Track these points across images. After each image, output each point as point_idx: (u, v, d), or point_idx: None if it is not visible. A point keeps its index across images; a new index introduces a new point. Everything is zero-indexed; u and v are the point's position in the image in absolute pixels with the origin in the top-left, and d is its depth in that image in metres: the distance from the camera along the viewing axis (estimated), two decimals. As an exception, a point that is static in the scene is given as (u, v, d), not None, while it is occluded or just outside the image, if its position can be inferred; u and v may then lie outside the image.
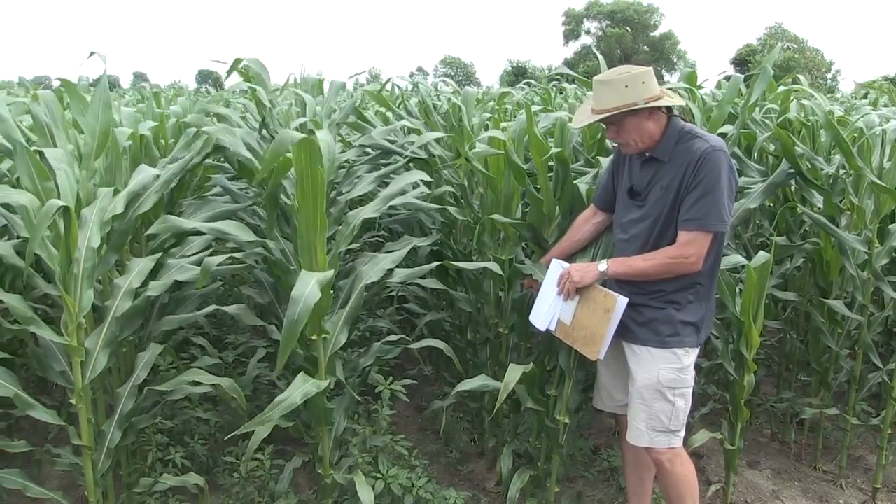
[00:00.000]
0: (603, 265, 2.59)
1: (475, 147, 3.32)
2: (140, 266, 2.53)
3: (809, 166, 3.33)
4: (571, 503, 3.24)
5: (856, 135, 3.38)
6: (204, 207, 3.04)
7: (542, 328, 2.75)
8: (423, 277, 3.09)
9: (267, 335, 3.21)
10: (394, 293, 4.32)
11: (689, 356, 2.60)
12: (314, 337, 2.55)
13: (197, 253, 2.88)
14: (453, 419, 4.00)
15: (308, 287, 2.19)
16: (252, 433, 3.38)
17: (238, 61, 3.61)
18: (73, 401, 2.43)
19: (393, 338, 3.08)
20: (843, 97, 7.56)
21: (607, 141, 2.65)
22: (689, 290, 2.56)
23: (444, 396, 4.08)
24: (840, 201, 3.40)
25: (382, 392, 3.00)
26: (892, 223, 3.34)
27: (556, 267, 2.75)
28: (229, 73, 3.67)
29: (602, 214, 2.85)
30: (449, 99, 4.24)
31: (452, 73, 70.01)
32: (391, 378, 3.10)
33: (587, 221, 2.88)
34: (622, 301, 2.51)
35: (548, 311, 2.74)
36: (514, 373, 2.69)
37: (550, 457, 3.05)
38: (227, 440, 3.46)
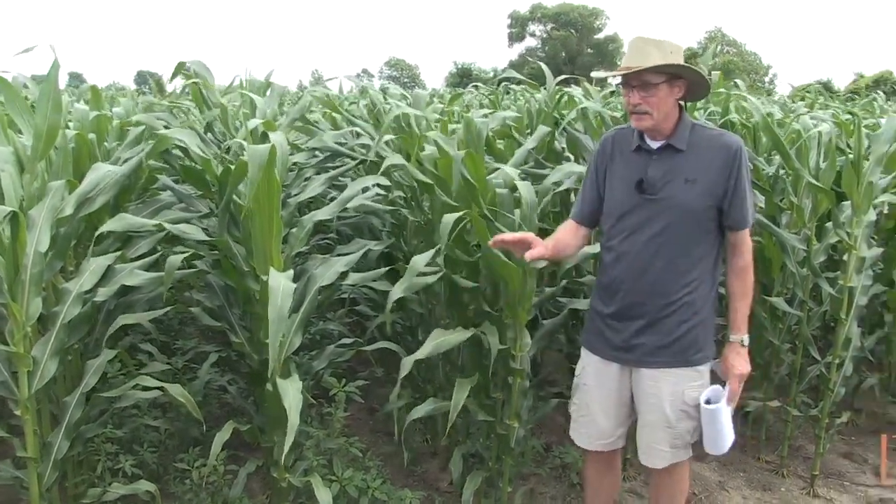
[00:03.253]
0: (744, 340, 2.51)
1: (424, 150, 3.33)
2: (93, 267, 2.45)
3: (751, 167, 3.43)
4: (524, 500, 3.28)
5: (794, 136, 3.50)
6: (148, 211, 2.99)
7: (731, 442, 2.56)
8: (374, 280, 3.08)
9: (215, 340, 3.17)
10: (345, 295, 4.31)
11: (708, 368, 2.56)
12: (269, 340, 2.52)
13: (144, 256, 2.83)
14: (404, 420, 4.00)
15: (281, 280, 2.16)
16: (208, 439, 3.36)
17: (182, 65, 3.56)
18: (17, 412, 2.36)
19: (347, 341, 3.07)
20: (780, 99, 7.80)
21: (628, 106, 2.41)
22: (712, 295, 2.51)
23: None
24: (780, 201, 3.52)
25: (337, 394, 2.99)
26: (828, 222, 3.47)
27: (715, 396, 2.51)
28: (173, 76, 3.62)
29: (584, 230, 2.72)
30: (398, 104, 4.24)
31: (397, 75, 69.91)
32: (344, 380, 3.09)
33: (575, 234, 2.70)
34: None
35: (728, 428, 2.53)
36: (462, 390, 2.70)
37: (502, 458, 3.08)
38: (177, 447, 3.44)
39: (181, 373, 3.61)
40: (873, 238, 3.57)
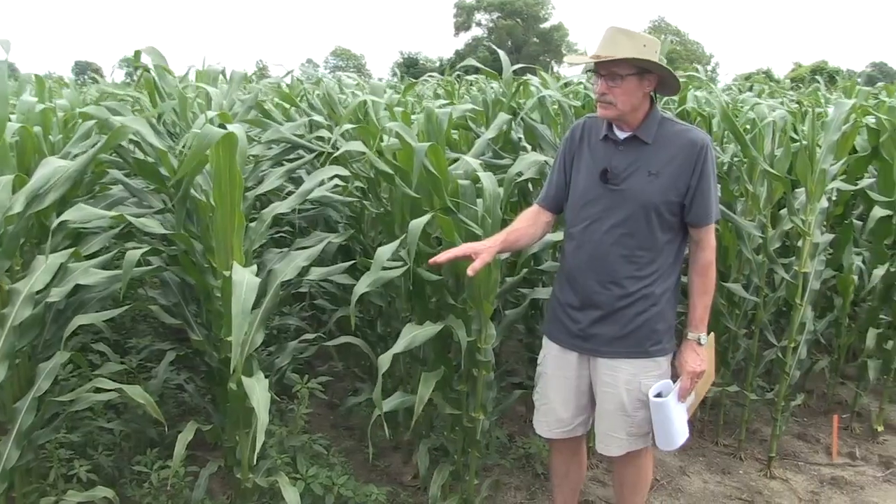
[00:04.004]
0: (701, 338, 2.51)
1: (383, 141, 3.28)
2: (44, 266, 2.33)
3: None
4: (490, 492, 3.28)
5: (748, 126, 3.55)
6: (99, 207, 2.87)
7: (684, 439, 2.57)
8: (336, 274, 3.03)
9: (169, 337, 3.08)
10: (302, 290, 4.24)
11: (668, 360, 2.56)
12: (230, 338, 2.45)
13: (96, 253, 2.73)
14: (367, 415, 3.97)
15: (245, 275, 2.10)
16: (165, 440, 3.28)
17: (138, 53, 3.45)
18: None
19: (309, 336, 3.01)
20: (727, 88, 7.94)
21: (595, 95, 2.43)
22: (672, 289, 2.52)
23: (355, 392, 4.04)
24: (735, 189, 3.58)
25: (300, 391, 2.94)
26: (782, 209, 3.54)
27: (666, 389, 2.52)
28: (131, 64, 3.50)
29: (548, 215, 2.70)
30: (353, 92, 4.18)
31: (343, 65, 69.26)
32: (307, 376, 3.04)
33: (535, 220, 2.67)
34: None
35: (680, 424, 2.53)
36: (428, 384, 2.67)
37: (467, 451, 3.07)
38: (133, 449, 3.34)
39: (136, 372, 3.50)
40: (823, 224, 3.66)
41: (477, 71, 5.65)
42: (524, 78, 4.19)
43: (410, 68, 50.17)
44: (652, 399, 2.48)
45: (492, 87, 4.72)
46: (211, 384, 3.40)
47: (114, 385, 2.44)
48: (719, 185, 3.51)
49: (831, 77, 24.86)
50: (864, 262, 4.01)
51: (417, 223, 2.50)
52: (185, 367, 3.60)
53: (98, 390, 2.50)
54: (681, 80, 2.57)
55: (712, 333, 2.58)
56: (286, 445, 2.91)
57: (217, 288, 2.62)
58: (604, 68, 2.35)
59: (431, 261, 2.46)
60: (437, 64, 58.59)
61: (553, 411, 2.70)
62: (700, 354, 2.51)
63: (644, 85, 2.38)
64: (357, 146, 2.95)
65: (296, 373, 3.19)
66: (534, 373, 3.95)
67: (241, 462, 2.60)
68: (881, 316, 3.99)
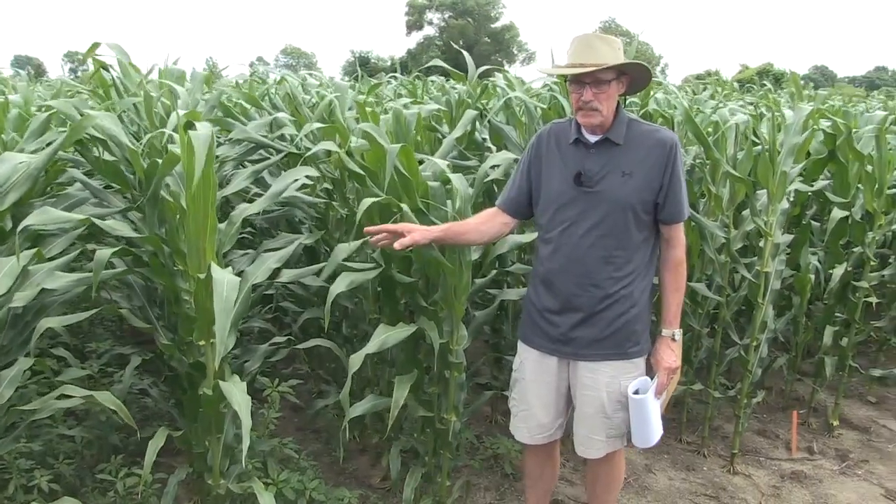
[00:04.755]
0: (675, 334, 2.55)
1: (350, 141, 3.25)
2: (6, 270, 2.23)
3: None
4: (461, 493, 3.28)
5: (710, 129, 3.62)
6: (60, 208, 2.79)
7: (659, 436, 2.60)
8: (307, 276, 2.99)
9: (130, 342, 3.00)
10: (268, 291, 4.18)
11: (644, 360, 2.59)
12: (202, 342, 2.41)
13: (58, 256, 2.64)
14: (333, 417, 3.93)
15: (225, 275, 2.05)
16: (128, 447, 3.20)
17: (96, 45, 3.35)
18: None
19: (280, 338, 2.97)
20: (679, 88, 8.07)
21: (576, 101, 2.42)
22: (649, 289, 2.55)
23: (320, 394, 4.01)
24: (698, 190, 3.64)
25: (270, 395, 2.90)
26: (744, 210, 3.61)
27: (643, 386, 2.54)
28: (85, 57, 3.40)
29: (505, 217, 2.70)
30: (324, 93, 4.14)
31: (294, 63, 68.60)
32: (275, 380, 3.01)
33: (490, 220, 2.68)
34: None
35: (656, 421, 2.55)
36: (403, 388, 2.66)
37: (438, 452, 3.06)
38: (95, 457, 3.25)
39: (98, 378, 3.41)
40: (783, 225, 3.74)
41: (430, 71, 5.65)
42: (490, 80, 4.19)
43: (362, 67, 49.92)
44: (632, 396, 2.50)
45: (454, 88, 4.73)
46: (175, 389, 3.33)
47: (83, 392, 2.36)
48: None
49: (776, 79, 25.54)
50: (819, 261, 4.12)
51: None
52: (146, 372, 3.52)
53: (64, 397, 2.42)
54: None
55: (679, 330, 2.61)
56: (256, 450, 2.87)
57: (186, 291, 2.57)
58: (588, 76, 2.37)
59: (366, 230, 2.48)
60: (389, 63, 58.43)
61: (534, 417, 2.70)
62: (675, 351, 2.55)
63: (620, 87, 2.43)
64: (329, 146, 2.91)
65: (261, 376, 3.15)
66: (499, 373, 4.00)
67: (213, 468, 2.55)
68: (837, 314, 4.10)
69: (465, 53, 4.18)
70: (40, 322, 2.35)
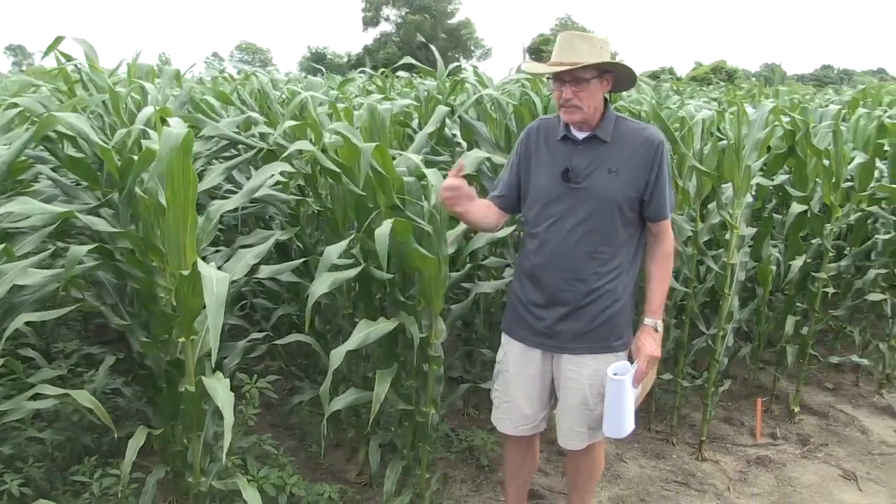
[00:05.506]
0: (658, 325, 2.58)
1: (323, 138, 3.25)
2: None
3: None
4: (438, 485, 3.31)
5: (677, 125, 3.69)
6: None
7: (631, 429, 2.60)
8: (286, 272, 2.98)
9: (94, 341, 2.95)
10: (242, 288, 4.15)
11: (626, 353, 2.63)
12: (182, 339, 2.39)
13: (29, 255, 2.59)
14: (308, 414, 3.93)
15: (213, 270, 2.04)
16: (101, 447, 3.15)
17: (59, 39, 3.30)
18: None
19: (258, 334, 2.97)
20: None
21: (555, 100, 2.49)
22: (633, 283, 2.59)
23: (292, 391, 4.00)
24: (666, 184, 3.71)
25: (249, 391, 2.89)
26: (710, 203, 3.70)
27: (622, 370, 2.56)
28: (47, 52, 3.34)
29: (495, 211, 2.72)
30: (289, 88, 4.13)
31: (249, 59, 67.73)
32: (255, 376, 3.00)
33: (490, 209, 2.70)
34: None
35: (629, 411, 2.56)
36: (384, 382, 2.67)
37: (417, 445, 3.08)
38: (65, 459, 3.20)
39: (69, 378, 3.35)
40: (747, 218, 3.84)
41: (385, 66, 5.65)
42: (461, 77, 4.21)
43: (318, 63, 49.55)
44: (611, 378, 2.53)
45: (423, 84, 4.75)
46: (148, 388, 3.29)
47: (59, 391, 2.33)
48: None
49: (729, 76, 26.06)
50: (780, 253, 4.24)
51: (383, 233, 2.48)
52: (116, 372, 3.47)
53: (38, 397, 2.38)
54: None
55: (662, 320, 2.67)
56: (235, 447, 2.86)
57: (164, 288, 2.55)
58: (568, 74, 2.40)
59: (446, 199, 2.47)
60: (346, 59, 58.09)
61: (518, 409, 2.74)
62: (655, 339, 2.60)
63: (603, 86, 2.47)
64: (305, 145, 2.91)
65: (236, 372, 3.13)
66: (471, 366, 4.03)
67: (193, 466, 2.53)
68: (797, 304, 4.22)
69: (434, 49, 4.21)
70: (17, 318, 2.29)
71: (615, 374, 2.56)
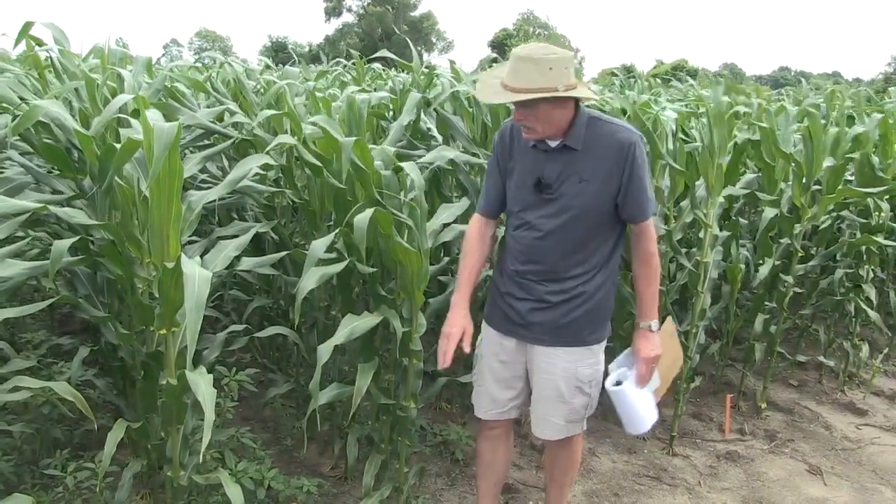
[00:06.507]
0: (652, 325, 2.59)
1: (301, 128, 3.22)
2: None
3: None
4: (416, 478, 3.31)
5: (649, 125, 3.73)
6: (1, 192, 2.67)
7: (652, 422, 2.66)
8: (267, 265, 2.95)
9: (67, 333, 2.89)
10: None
11: (603, 346, 2.65)
12: (163, 331, 2.36)
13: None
14: (282, 407, 3.91)
15: (196, 267, 2.01)
16: (72, 440, 3.10)
17: (30, 24, 3.22)
18: None
19: (238, 327, 2.94)
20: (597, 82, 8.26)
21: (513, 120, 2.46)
22: (611, 280, 2.60)
23: (263, 383, 3.97)
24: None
25: (228, 384, 2.86)
26: (683, 201, 3.76)
27: (623, 377, 2.61)
28: (19, 39, 3.26)
29: (492, 224, 2.75)
30: (265, 78, 4.08)
31: (208, 47, 66.68)
32: (234, 369, 2.97)
33: (483, 238, 2.72)
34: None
35: (644, 408, 2.62)
36: (366, 376, 2.67)
37: (395, 439, 3.08)
38: (34, 452, 3.13)
39: (36, 370, 3.28)
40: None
41: (350, 57, 5.60)
42: (438, 70, 4.21)
43: (279, 52, 49.02)
44: (609, 388, 2.58)
45: (398, 76, 4.73)
46: (118, 379, 3.24)
47: (39, 383, 2.28)
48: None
49: (690, 75, 26.37)
50: (748, 252, 4.31)
51: (362, 221, 2.47)
52: (85, 363, 3.40)
53: (15, 389, 2.33)
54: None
55: (668, 318, 2.71)
56: (213, 440, 2.82)
57: (143, 279, 2.51)
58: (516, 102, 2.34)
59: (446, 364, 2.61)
60: (307, 49, 57.51)
61: (487, 392, 2.77)
62: (651, 341, 2.61)
63: (559, 104, 2.35)
64: (286, 139, 2.88)
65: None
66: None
67: (172, 459, 2.50)
68: (766, 303, 4.31)
69: (411, 44, 4.20)
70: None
71: (616, 384, 2.61)
